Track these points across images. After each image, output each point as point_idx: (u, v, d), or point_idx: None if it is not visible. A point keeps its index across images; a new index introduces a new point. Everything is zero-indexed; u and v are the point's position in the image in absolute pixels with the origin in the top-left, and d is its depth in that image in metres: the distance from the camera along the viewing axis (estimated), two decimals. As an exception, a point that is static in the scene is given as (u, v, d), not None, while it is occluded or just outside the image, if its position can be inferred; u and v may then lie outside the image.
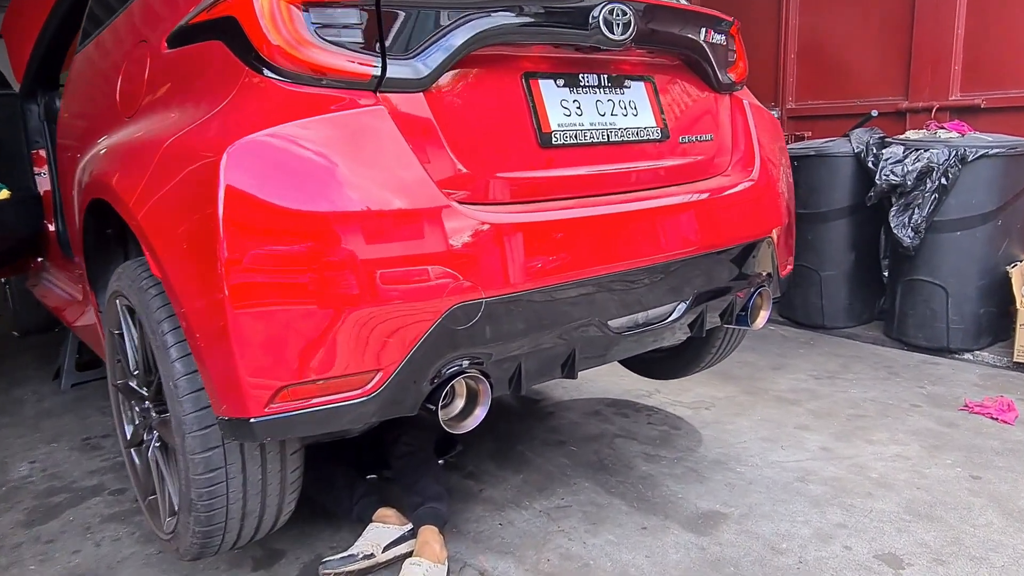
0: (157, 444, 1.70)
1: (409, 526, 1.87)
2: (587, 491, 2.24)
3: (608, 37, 1.64)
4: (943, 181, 3.26)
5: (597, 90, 1.75)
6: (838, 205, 3.74)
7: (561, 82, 1.68)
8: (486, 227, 1.44)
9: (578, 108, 1.69)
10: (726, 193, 1.92)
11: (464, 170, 1.48)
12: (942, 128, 3.54)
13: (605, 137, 1.73)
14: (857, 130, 3.77)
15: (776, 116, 4.72)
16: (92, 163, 1.76)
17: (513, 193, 1.54)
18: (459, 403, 1.55)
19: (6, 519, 2.21)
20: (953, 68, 3.95)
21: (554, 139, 1.63)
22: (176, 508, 1.58)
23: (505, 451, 2.53)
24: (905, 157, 3.36)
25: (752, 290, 2.05)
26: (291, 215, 1.28)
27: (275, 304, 1.28)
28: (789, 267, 2.28)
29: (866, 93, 4.34)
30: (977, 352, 3.38)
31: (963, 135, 3.42)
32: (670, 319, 1.82)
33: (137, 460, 1.86)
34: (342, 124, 1.35)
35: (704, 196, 1.87)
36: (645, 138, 1.81)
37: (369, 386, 1.36)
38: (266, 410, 1.31)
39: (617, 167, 1.75)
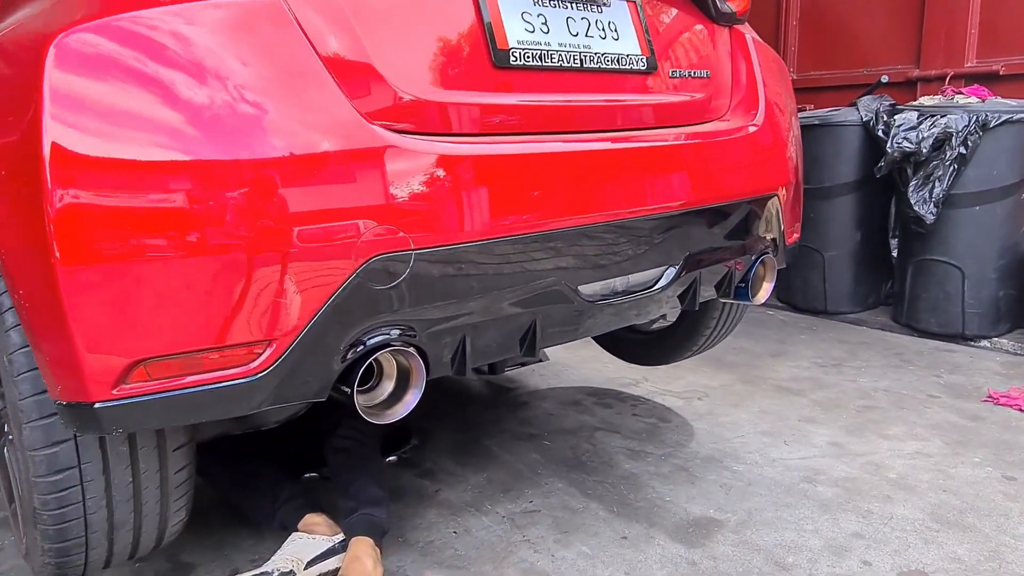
0: (10, 436, 1.37)
1: (340, 536, 1.55)
2: (560, 493, 1.92)
3: (581, -65, 1.32)
4: (962, 150, 2.95)
5: (569, 4, 1.42)
6: (843, 179, 3.42)
7: (523, -10, 1.35)
8: (417, 160, 1.11)
9: (543, 24, 1.37)
10: (725, 139, 1.59)
11: (392, 91, 1.15)
12: (960, 93, 3.22)
13: (577, 62, 1.40)
14: (865, 98, 3.46)
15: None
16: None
17: (456, 120, 1.22)
18: (388, 386, 1.22)
19: None
20: (969, 32, 3.64)
21: (512, 58, 1.30)
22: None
23: (468, 445, 2.21)
24: (920, 123, 3.05)
25: (754, 257, 1.73)
26: (141, 131, 0.95)
27: (118, 254, 0.95)
28: (796, 235, 1.97)
29: (874, 62, 4.03)
30: (995, 339, 3.08)
31: (983, 100, 3.11)
32: (656, 287, 1.50)
33: None
34: (223, 14, 1.02)
35: (699, 142, 1.55)
36: (627, 67, 1.49)
37: (257, 362, 1.04)
38: (114, 392, 0.98)
39: (592, 98, 1.43)
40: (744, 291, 1.75)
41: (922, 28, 3.79)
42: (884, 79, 3.69)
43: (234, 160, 0.99)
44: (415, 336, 1.17)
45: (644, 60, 1.52)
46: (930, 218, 3.02)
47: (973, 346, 3.06)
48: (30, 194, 0.94)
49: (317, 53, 1.08)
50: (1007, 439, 2.16)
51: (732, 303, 2.07)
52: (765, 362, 2.91)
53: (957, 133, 2.94)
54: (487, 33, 1.28)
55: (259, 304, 1.01)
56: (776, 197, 1.73)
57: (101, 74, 0.95)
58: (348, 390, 1.12)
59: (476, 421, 2.39)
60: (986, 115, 2.92)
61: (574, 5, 1.43)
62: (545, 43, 1.36)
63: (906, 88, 3.85)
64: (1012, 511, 1.77)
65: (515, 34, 1.32)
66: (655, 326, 2.39)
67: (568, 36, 1.40)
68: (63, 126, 0.92)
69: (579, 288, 1.36)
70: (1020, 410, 2.36)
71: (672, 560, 1.62)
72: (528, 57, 1.33)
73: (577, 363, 2.92)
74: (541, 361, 2.87)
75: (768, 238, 1.76)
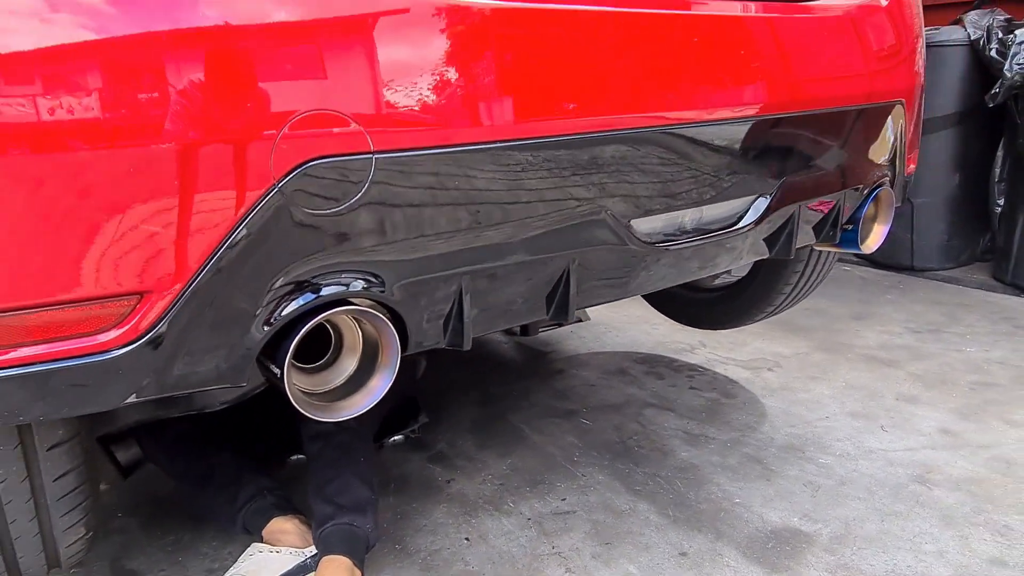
0: None
1: (312, 550, 1.19)
2: (601, 488, 1.53)
3: None
4: (1099, 71, 2.40)
5: None
6: (942, 112, 2.89)
7: None
8: (386, 8, 0.70)
9: None
10: (839, 14, 1.14)
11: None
12: (1096, 2, 2.65)
13: None
14: (973, 13, 2.89)
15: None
16: None
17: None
18: (349, 363, 0.83)
19: None
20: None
21: None
22: None
23: (491, 423, 1.83)
24: (1047, 39, 2.50)
25: (868, 190, 1.28)
26: None
27: None
28: (913, 165, 1.51)
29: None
30: (1125, 301, 2.57)
31: None
32: (740, 225, 1.07)
33: None
34: None
35: (802, 15, 1.10)
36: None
37: (119, 330, 0.66)
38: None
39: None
40: (852, 235, 1.32)
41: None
42: (997, -11, 3.10)
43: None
44: (383, 290, 0.77)
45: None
46: (1057, 156, 2.50)
47: (1098, 310, 2.55)
48: None
49: None
50: None
51: (824, 251, 1.62)
52: (848, 326, 2.45)
53: (1096, 49, 2.39)
54: None
55: (124, 242, 0.63)
56: (901, 106, 1.27)
57: None
58: (279, 371, 0.73)
59: (501, 393, 2.00)
60: None
61: None
62: None
63: (1018, 3, 3.25)
64: None
65: None
66: (719, 281, 1.96)
67: None
68: None
69: (631, 223, 0.94)
70: None
71: (749, 590, 1.22)
72: None
73: (623, 324, 2.51)
74: (581, 321, 2.46)
75: (886, 164, 1.31)
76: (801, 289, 1.76)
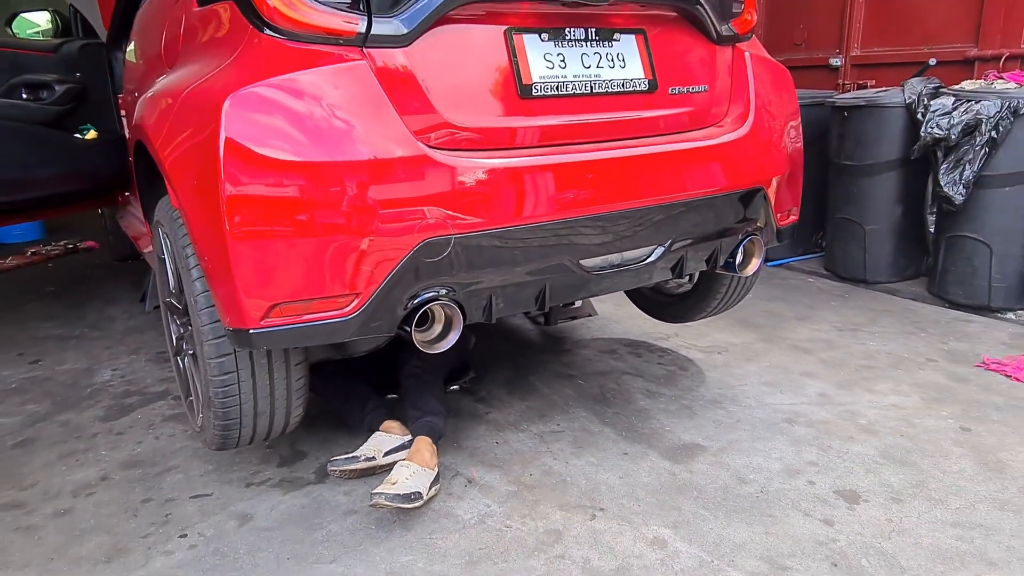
0: (190, 352, 1.99)
1: (409, 437, 2.12)
2: (582, 419, 2.42)
3: (592, -7, 1.75)
4: (993, 135, 3.15)
5: (583, 43, 1.86)
6: (885, 158, 3.66)
7: (546, 36, 1.80)
8: (456, 168, 1.61)
9: (562, 61, 1.82)
10: (714, 143, 2.00)
11: (441, 119, 1.64)
12: (1000, 78, 3.39)
13: (588, 88, 1.84)
14: (913, 80, 3.65)
15: (838, 64, 4.59)
16: (138, 109, 2.03)
17: (488, 140, 1.70)
18: (437, 328, 1.75)
19: (88, 414, 2.61)
20: (1027, 13, 3.73)
21: (534, 90, 1.76)
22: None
23: (517, 380, 2.74)
24: (953, 109, 3.26)
25: (741, 237, 2.13)
26: (279, 158, 1.49)
27: (266, 234, 1.50)
28: (793, 217, 2.34)
29: (934, 40, 4.15)
30: (1019, 311, 3.31)
31: (1021, 85, 3.28)
32: (646, 261, 1.95)
33: (178, 367, 2.18)
34: (328, 77, 1.54)
35: (690, 146, 1.96)
36: (631, 89, 1.92)
37: (349, 308, 1.59)
38: (261, 323, 1.56)
39: (600, 116, 1.87)
40: (732, 265, 2.17)
41: (982, 7, 3.89)
42: (932, 62, 3.85)
43: (334, 162, 1.51)
44: (455, 294, 1.68)
45: (647, 82, 1.94)
46: (959, 199, 3.26)
47: (997, 317, 3.30)
48: (210, 187, 1.50)
49: (386, 94, 1.58)
50: (981, 399, 2.49)
51: (731, 275, 2.47)
52: (789, 324, 3.27)
53: (988, 119, 3.15)
54: (515, 73, 1.74)
55: (351, 268, 1.55)
56: (762, 190, 2.11)
57: (255, 110, 1.49)
58: (408, 329, 1.66)
59: (526, 362, 2.91)
60: (1018, 101, 3.11)
61: (588, 43, 1.87)
62: (562, 76, 1.81)
63: (963, 67, 3.98)
64: (952, 453, 2.14)
65: (538, 71, 1.78)
66: (678, 290, 2.82)
67: (582, 68, 1.84)
68: (232, 142, 1.47)
69: (582, 262, 1.83)
70: (1006, 375, 2.65)
71: (657, 471, 2.10)
72: (548, 88, 1.78)
73: (621, 318, 3.38)
74: (590, 316, 3.35)
75: (755, 222, 2.15)
76: (728, 298, 2.61)
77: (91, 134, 3.32)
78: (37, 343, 3.39)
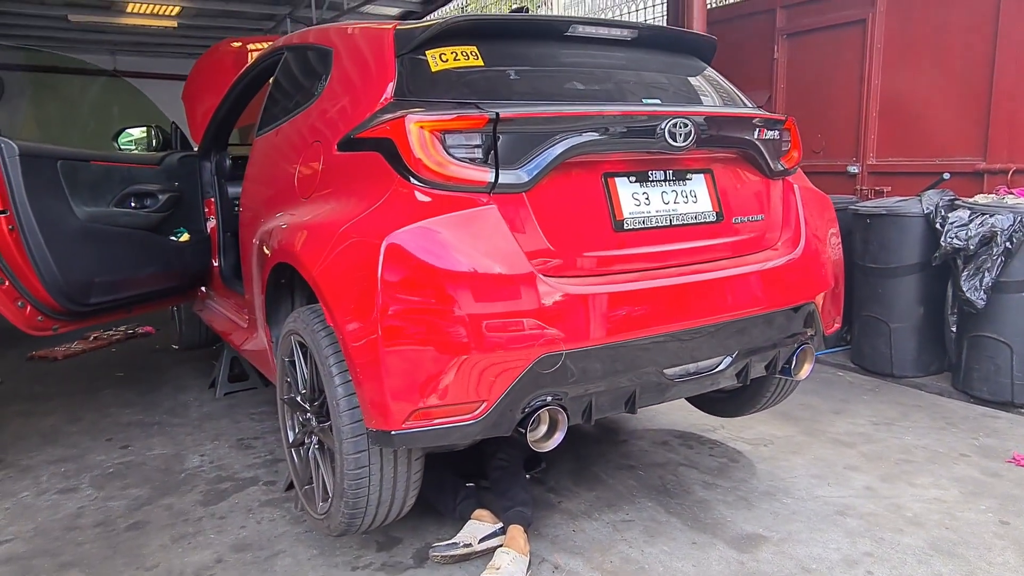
0: (316, 446, 2.24)
1: (500, 524, 2.34)
2: (649, 509, 2.64)
3: (671, 144, 2.09)
4: (1008, 245, 3.47)
5: (663, 183, 2.19)
6: (908, 262, 3.97)
7: (633, 178, 2.13)
8: (567, 294, 1.90)
9: (646, 198, 2.14)
10: (772, 265, 2.30)
11: (552, 248, 1.95)
12: (1011, 193, 3.73)
13: (668, 221, 2.16)
14: (929, 191, 4.01)
15: (856, 171, 4.98)
16: (278, 233, 2.34)
17: (590, 267, 2.00)
18: (543, 428, 2.00)
19: (188, 498, 2.83)
20: (1030, 131, 4.11)
21: (626, 224, 2.08)
22: (330, 495, 2.11)
23: (582, 471, 2.96)
24: (970, 221, 3.59)
25: (796, 346, 2.41)
26: (426, 283, 1.79)
27: (412, 346, 1.78)
28: (836, 325, 2.62)
29: (945, 152, 4.53)
30: (1041, 408, 3.54)
31: (1030, 201, 3.61)
32: (717, 369, 2.22)
33: (297, 458, 2.42)
34: (465, 219, 1.85)
35: (752, 268, 2.26)
36: (702, 220, 2.23)
37: (476, 412, 1.85)
38: (403, 425, 1.82)
39: (678, 245, 2.18)
40: (788, 370, 2.44)
41: (988, 125, 4.29)
42: (946, 176, 4.21)
43: (470, 287, 1.80)
44: (562, 400, 1.95)
45: (715, 214, 2.26)
46: (980, 303, 3.55)
47: (1019, 413, 3.53)
48: (367, 310, 1.79)
49: (512, 232, 1.89)
50: (1016, 493, 2.70)
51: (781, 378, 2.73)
52: (826, 417, 3.51)
53: (1003, 231, 3.47)
54: (611, 209, 2.06)
55: (482, 379, 1.82)
56: (814, 303, 2.40)
57: (406, 247, 1.80)
58: (523, 431, 1.91)
59: (587, 453, 3.14)
60: (1028, 216, 3.43)
61: (667, 183, 2.20)
62: (647, 212, 2.13)
63: (973, 178, 4.35)
64: (996, 546, 2.35)
65: (628, 208, 2.09)
66: (731, 388, 3.07)
67: (662, 204, 2.17)
68: (387, 272, 1.77)
69: (665, 371, 2.10)
70: (1036, 471, 2.87)
71: (727, 560, 2.30)
72: (636, 222, 2.10)
73: (667, 409, 3.62)
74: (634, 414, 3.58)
75: (808, 332, 2.44)
76: (776, 396, 2.87)
77: (184, 236, 3.66)
78: (122, 429, 3.63)
